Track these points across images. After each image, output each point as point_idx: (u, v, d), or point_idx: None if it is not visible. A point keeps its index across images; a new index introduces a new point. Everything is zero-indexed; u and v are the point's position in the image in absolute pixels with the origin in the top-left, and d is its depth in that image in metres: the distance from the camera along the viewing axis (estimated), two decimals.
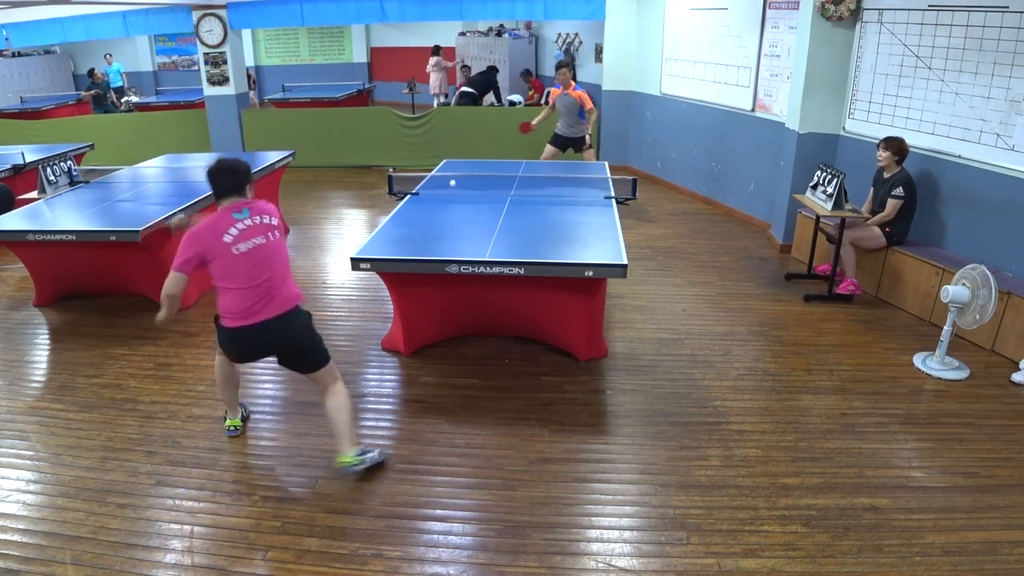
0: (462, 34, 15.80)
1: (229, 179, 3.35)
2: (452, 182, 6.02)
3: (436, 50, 14.29)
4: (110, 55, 15.20)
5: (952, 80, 5.25)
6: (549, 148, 8.11)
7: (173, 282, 3.30)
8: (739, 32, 7.55)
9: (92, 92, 13.39)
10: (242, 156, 7.37)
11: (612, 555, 3.00)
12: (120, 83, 14.85)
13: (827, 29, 6.11)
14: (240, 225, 3.30)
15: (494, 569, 2.93)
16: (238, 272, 3.28)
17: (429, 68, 14.23)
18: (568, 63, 7.87)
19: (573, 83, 7.92)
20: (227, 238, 3.26)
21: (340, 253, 6.83)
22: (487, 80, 12.62)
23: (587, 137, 8.03)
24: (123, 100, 13.75)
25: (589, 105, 7.84)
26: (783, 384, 4.39)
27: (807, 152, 6.45)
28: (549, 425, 3.93)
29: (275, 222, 3.43)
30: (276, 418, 4.06)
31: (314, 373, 3.50)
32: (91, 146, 8.61)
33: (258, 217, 3.36)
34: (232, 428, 3.86)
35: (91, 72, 13.56)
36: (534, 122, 8.27)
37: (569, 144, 8.06)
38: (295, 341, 3.42)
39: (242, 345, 3.43)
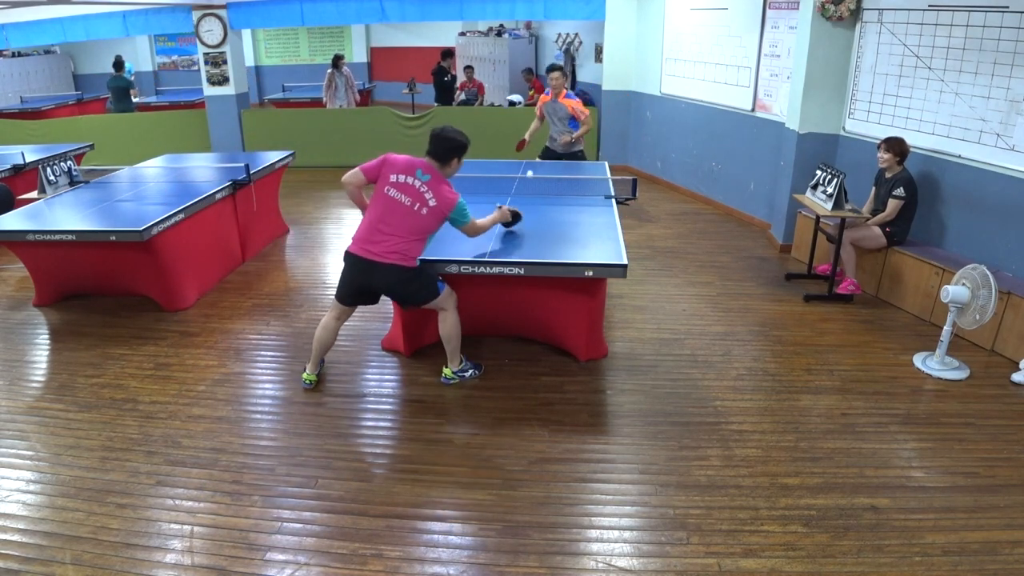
0: (462, 34, 15.79)
1: (433, 143, 3.86)
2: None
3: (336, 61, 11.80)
4: (121, 57, 15.17)
5: (952, 80, 5.25)
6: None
7: (351, 173, 3.96)
8: (739, 32, 7.55)
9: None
10: (246, 155, 7.40)
11: (612, 555, 3.00)
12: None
13: (827, 29, 6.11)
14: (410, 179, 3.79)
15: (494, 569, 2.93)
16: (376, 205, 3.90)
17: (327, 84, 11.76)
18: (561, 67, 6.88)
19: (566, 90, 7.03)
20: (393, 178, 3.83)
21: (340, 253, 6.72)
22: (437, 83, 11.83)
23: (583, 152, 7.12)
24: None
25: (583, 116, 6.94)
26: (783, 384, 4.39)
27: (807, 152, 6.45)
28: (549, 425, 3.93)
29: (433, 203, 3.83)
30: (276, 418, 4.06)
31: (423, 307, 4.14)
32: (91, 146, 8.61)
33: (427, 190, 3.76)
34: (307, 381, 4.33)
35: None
36: (526, 136, 7.25)
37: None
38: (382, 288, 4.03)
39: (345, 267, 4.06)
